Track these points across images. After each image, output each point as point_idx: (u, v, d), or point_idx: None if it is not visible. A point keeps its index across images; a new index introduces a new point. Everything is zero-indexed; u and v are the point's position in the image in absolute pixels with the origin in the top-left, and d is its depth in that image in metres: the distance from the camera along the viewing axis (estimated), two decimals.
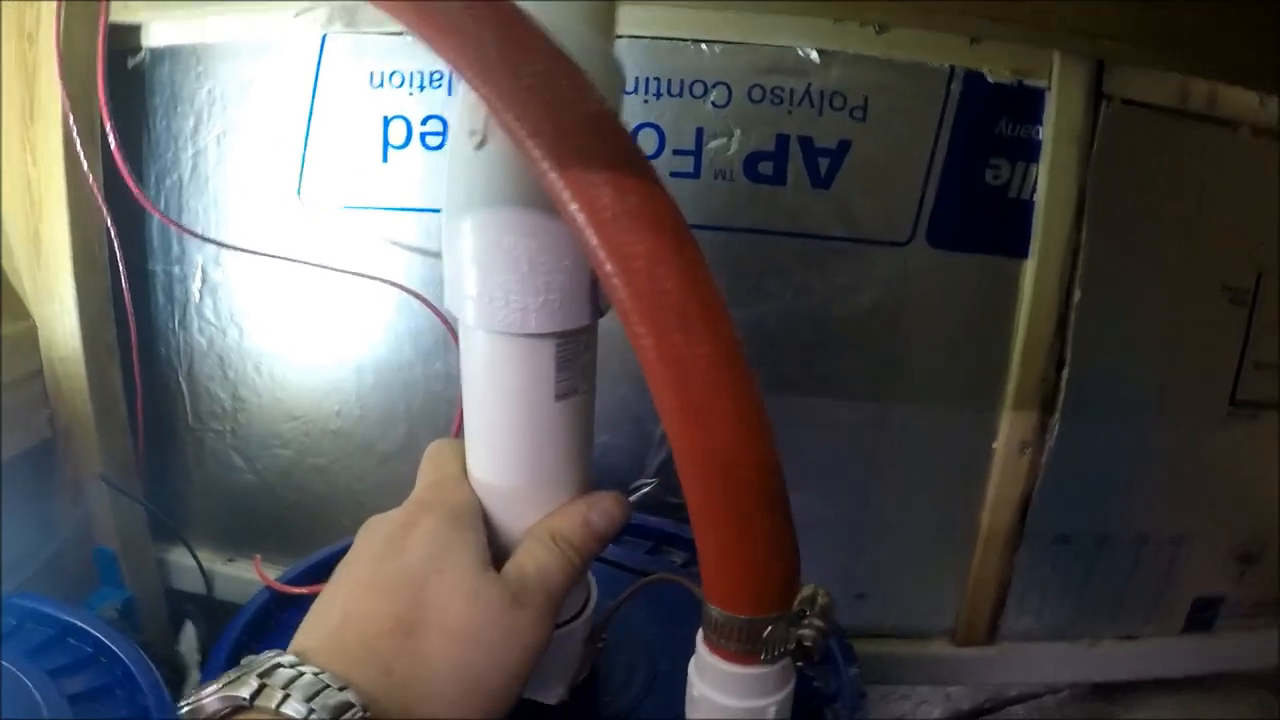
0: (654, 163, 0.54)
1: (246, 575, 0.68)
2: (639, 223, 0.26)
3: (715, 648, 0.30)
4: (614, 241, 0.26)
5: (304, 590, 0.44)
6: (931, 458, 0.58)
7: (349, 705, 0.25)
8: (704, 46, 0.53)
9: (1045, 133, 0.56)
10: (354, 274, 0.59)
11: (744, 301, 0.55)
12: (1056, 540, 0.63)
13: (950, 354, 0.57)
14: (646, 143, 0.53)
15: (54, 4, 0.58)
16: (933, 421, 0.58)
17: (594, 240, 0.26)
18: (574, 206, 0.26)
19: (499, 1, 0.26)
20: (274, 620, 0.43)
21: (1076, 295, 0.58)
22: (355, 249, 0.60)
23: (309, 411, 0.64)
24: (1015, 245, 0.56)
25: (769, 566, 0.29)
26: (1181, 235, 0.61)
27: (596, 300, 0.31)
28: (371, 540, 0.31)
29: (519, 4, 0.26)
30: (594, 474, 0.34)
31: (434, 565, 0.30)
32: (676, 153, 0.53)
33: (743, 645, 0.30)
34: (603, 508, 0.33)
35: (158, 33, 0.63)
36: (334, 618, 0.29)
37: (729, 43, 0.53)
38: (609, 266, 0.26)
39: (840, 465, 0.58)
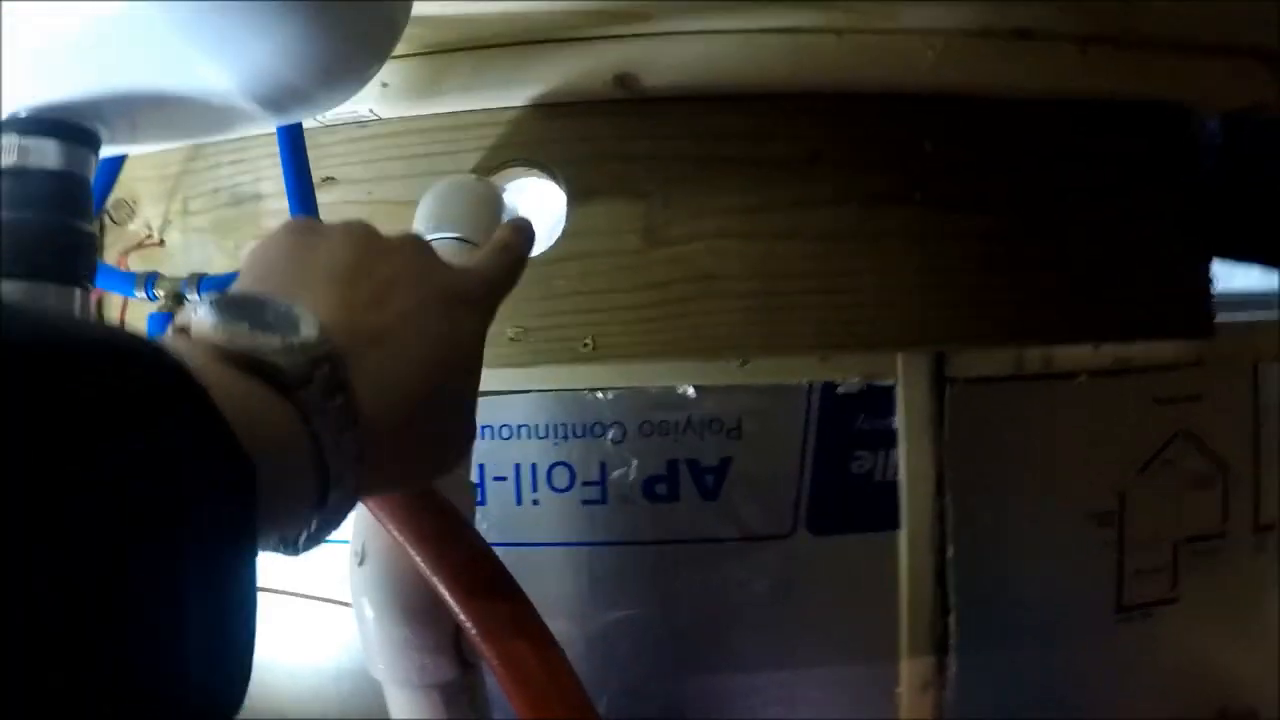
0: (568, 494, 0.64)
1: None
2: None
3: None
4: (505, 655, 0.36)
5: None
6: (844, 710, 0.66)
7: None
8: (599, 394, 0.63)
9: (899, 422, 0.65)
10: (322, 599, 0.68)
11: (654, 601, 0.64)
12: None
13: (845, 619, 0.65)
14: (560, 479, 0.63)
15: None
16: (839, 679, 0.66)
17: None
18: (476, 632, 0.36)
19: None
20: None
21: (950, 551, 0.66)
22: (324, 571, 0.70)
23: (299, 715, 0.73)
24: (887, 520, 0.65)
25: None
26: (1040, 479, 0.70)
27: (462, 656, 0.42)
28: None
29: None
30: None
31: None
32: (585, 484, 0.63)
33: None
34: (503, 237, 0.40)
35: None
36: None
37: (619, 388, 0.63)
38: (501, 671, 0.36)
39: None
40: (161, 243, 0.75)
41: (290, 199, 0.59)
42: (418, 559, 0.38)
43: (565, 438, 0.64)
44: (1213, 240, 0.75)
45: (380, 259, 0.31)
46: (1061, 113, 0.68)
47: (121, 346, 0.18)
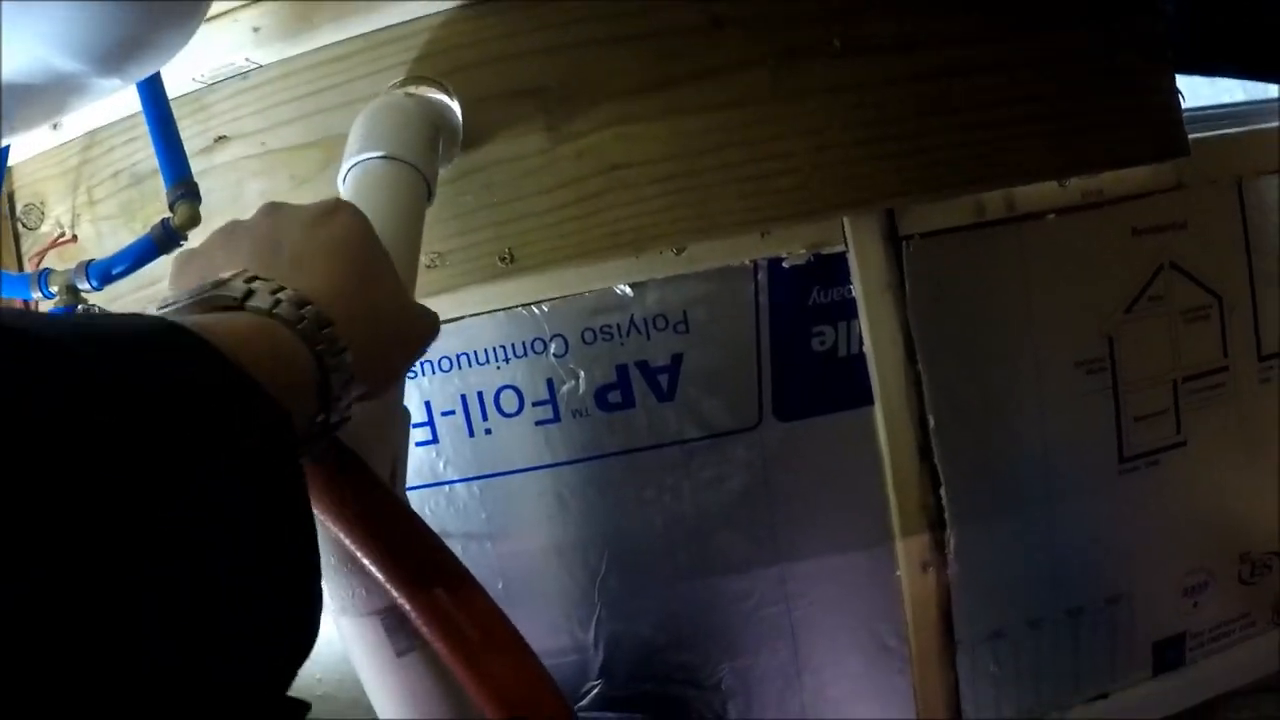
0: (520, 417, 0.61)
1: None
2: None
3: None
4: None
5: None
6: (844, 601, 0.63)
7: (329, 323, 0.28)
8: (535, 309, 0.60)
9: (856, 290, 0.61)
10: None
11: (627, 514, 0.61)
12: (991, 637, 0.66)
13: (830, 506, 0.62)
14: (508, 403, 0.60)
15: None
16: (834, 568, 0.62)
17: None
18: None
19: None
20: None
21: (931, 421, 0.63)
22: None
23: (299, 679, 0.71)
24: (859, 397, 0.61)
25: None
26: (1020, 330, 0.65)
27: None
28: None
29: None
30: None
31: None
32: (535, 404, 0.60)
33: None
34: None
35: None
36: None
37: (552, 299, 0.60)
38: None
39: (760, 630, 0.63)
40: (74, 238, 0.72)
41: (160, 163, 0.55)
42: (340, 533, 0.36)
43: (506, 359, 0.60)
44: (1178, 53, 0.69)
45: (286, 224, 0.34)
46: None
47: (153, 333, 0.22)
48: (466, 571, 0.36)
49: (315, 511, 0.36)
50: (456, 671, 0.34)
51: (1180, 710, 0.73)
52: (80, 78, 0.44)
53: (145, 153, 0.68)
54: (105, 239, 0.71)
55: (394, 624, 0.40)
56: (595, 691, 0.64)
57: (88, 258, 0.72)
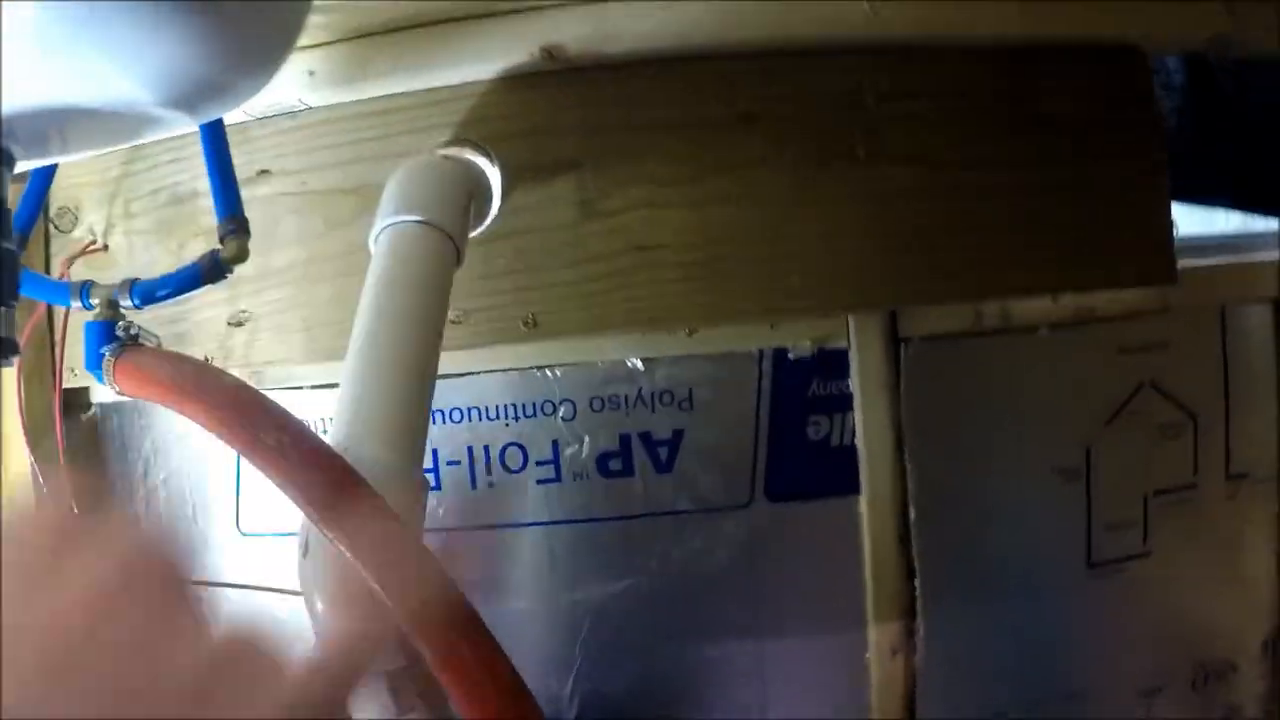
0: (522, 474, 0.63)
1: None
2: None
3: None
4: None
5: None
6: (814, 679, 0.65)
7: None
8: (547, 372, 0.62)
9: (854, 384, 0.64)
10: (292, 593, 0.68)
11: (616, 576, 0.63)
12: None
13: (809, 586, 0.65)
14: (513, 460, 0.63)
15: (14, 376, 0.70)
16: (808, 647, 0.65)
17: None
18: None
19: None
20: None
21: (912, 514, 0.65)
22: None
23: None
24: (846, 485, 0.64)
25: None
26: (1003, 436, 0.68)
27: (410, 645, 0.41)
28: None
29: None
30: None
31: None
32: (539, 463, 0.63)
33: None
34: None
35: (102, 392, 0.74)
36: None
37: (566, 365, 0.62)
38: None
39: (732, 700, 0.65)
40: (105, 248, 0.74)
41: (215, 197, 0.58)
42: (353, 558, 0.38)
43: (516, 418, 0.63)
44: (1175, 183, 0.73)
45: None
46: (1010, 59, 0.67)
47: None
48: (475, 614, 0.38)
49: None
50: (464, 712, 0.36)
51: None
52: (154, 114, 0.45)
53: (188, 174, 0.70)
54: (137, 252, 0.73)
55: (401, 683, 0.42)
56: None
57: (116, 268, 0.75)
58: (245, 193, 0.68)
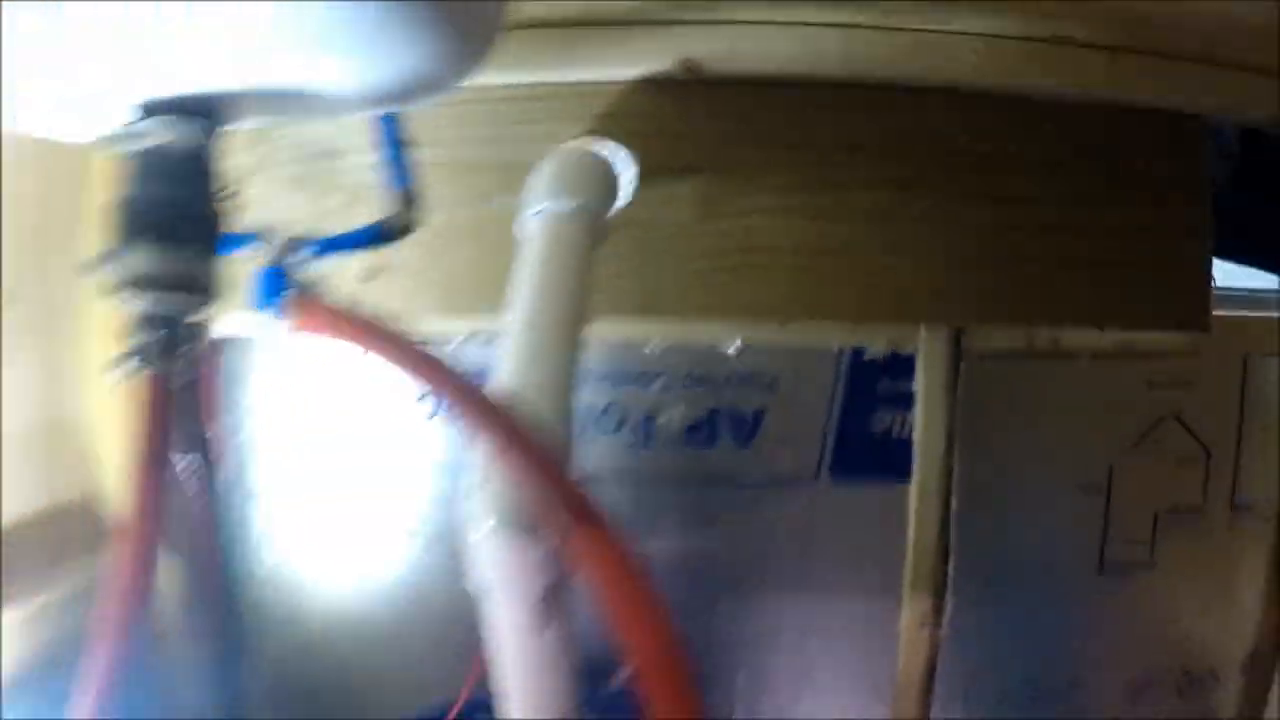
0: (616, 435, 0.72)
1: None
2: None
3: None
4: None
5: None
6: (852, 641, 0.74)
7: None
8: (647, 348, 0.71)
9: (918, 387, 0.73)
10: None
11: (697, 533, 0.72)
12: (964, 695, 0.78)
13: (859, 558, 0.74)
14: (610, 422, 0.71)
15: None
16: (851, 612, 0.74)
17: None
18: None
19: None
20: None
21: (954, 505, 0.74)
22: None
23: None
24: (900, 472, 0.73)
25: None
26: (1038, 448, 0.77)
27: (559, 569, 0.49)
28: None
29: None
30: None
31: None
32: (632, 427, 0.71)
33: None
34: None
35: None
36: None
37: (673, 343, 0.71)
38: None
39: (779, 648, 0.74)
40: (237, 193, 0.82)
41: (392, 171, 0.64)
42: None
43: (616, 385, 0.71)
44: (1217, 241, 0.81)
45: None
46: (1086, 117, 0.74)
47: None
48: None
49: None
50: (612, 607, 0.44)
51: None
52: (362, 102, 0.52)
53: (336, 132, 0.77)
54: (274, 201, 0.81)
55: (549, 604, 0.50)
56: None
57: (250, 214, 0.82)
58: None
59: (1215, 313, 0.79)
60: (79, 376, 0.78)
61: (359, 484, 0.79)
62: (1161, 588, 0.82)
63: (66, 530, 0.79)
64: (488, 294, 0.62)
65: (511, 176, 0.66)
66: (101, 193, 0.72)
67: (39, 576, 0.73)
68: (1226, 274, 0.86)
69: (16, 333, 0.74)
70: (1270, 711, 0.88)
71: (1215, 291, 0.82)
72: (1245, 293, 0.91)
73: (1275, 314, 0.87)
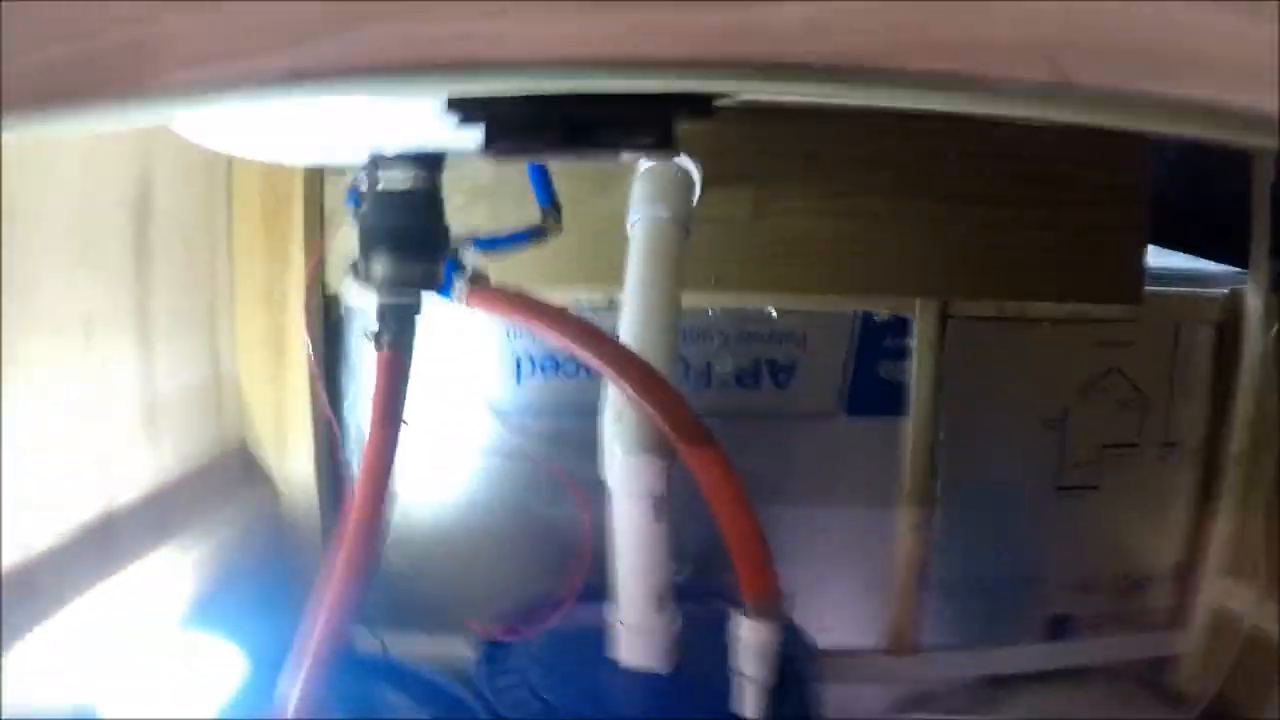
0: (682, 380, 0.93)
1: None
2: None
3: None
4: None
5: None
6: (857, 543, 0.96)
7: None
8: (709, 312, 0.93)
9: (914, 343, 0.94)
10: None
11: (743, 456, 0.93)
12: (945, 583, 1.00)
13: (867, 474, 0.96)
14: (678, 370, 0.93)
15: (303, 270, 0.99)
16: (861, 517, 0.96)
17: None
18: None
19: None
20: None
21: (940, 436, 0.96)
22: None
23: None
24: (899, 409, 0.95)
25: None
26: (1010, 390, 0.99)
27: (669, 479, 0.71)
28: None
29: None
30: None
31: None
32: (697, 375, 0.93)
33: None
34: None
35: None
36: None
37: (729, 309, 0.92)
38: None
39: (793, 548, 0.96)
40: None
41: (537, 190, 0.83)
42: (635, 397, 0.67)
43: (686, 341, 0.93)
44: (1155, 231, 1.02)
45: None
46: (1057, 135, 0.95)
47: None
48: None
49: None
50: (716, 507, 0.66)
51: (1057, 669, 1.07)
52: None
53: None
54: None
55: (659, 506, 0.71)
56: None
57: None
58: (512, 167, 0.97)
59: (1152, 288, 1.01)
60: (234, 345, 0.98)
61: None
62: (1106, 507, 1.04)
63: (228, 476, 0.98)
64: (584, 273, 0.84)
65: (597, 183, 0.88)
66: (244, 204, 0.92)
67: (206, 519, 0.85)
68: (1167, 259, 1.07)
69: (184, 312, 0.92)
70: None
71: (1156, 271, 1.04)
72: (1183, 273, 1.13)
73: (1203, 290, 1.09)
